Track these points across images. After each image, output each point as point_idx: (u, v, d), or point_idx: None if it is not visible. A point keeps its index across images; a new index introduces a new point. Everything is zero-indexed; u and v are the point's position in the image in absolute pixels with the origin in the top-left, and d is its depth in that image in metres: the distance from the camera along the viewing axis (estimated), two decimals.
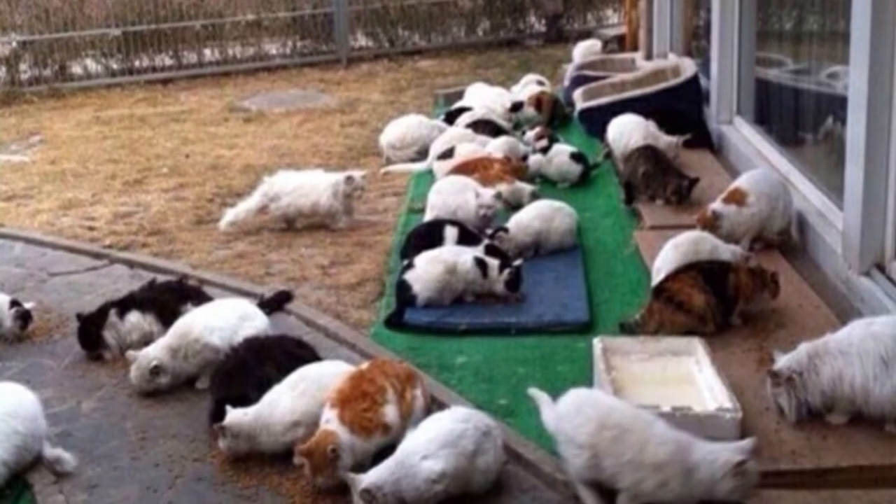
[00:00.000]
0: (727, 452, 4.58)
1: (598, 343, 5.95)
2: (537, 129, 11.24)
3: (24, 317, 7.27)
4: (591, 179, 10.23)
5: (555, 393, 5.17)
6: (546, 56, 18.61)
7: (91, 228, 9.68)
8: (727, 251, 7.04)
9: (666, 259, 6.92)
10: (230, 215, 9.34)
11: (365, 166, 11.06)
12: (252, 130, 13.91)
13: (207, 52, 18.80)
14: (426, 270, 7.25)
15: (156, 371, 6.28)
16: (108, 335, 6.87)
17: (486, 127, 11.38)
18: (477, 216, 8.48)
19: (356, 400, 5.26)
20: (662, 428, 4.71)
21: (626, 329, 6.45)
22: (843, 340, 5.27)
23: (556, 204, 8.42)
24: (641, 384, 5.70)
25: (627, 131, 10.09)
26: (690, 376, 5.80)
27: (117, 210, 10.25)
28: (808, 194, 8.17)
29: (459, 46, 19.91)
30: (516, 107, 12.69)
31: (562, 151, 10.30)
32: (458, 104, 13.06)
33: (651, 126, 10.07)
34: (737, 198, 7.77)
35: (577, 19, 21.51)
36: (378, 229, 9.20)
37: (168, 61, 18.58)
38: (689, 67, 11.81)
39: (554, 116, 12.60)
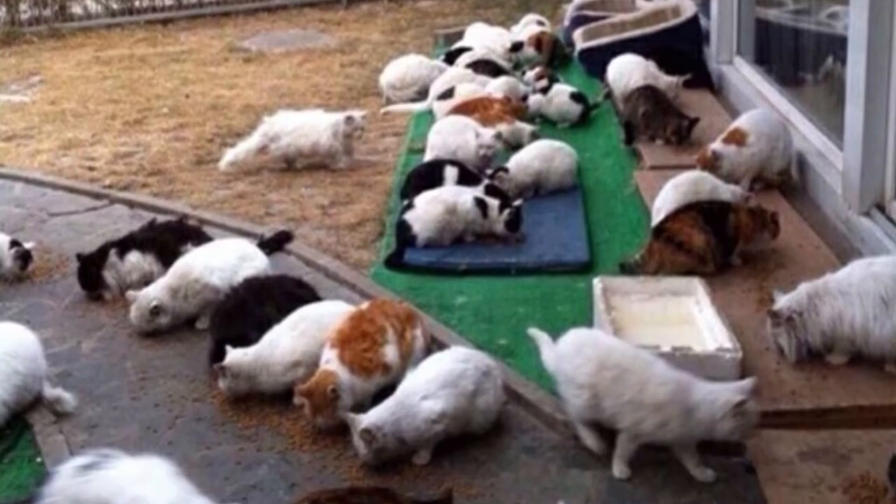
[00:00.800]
0: (727, 392, 4.58)
1: (598, 283, 5.95)
2: (537, 70, 11.17)
3: (25, 257, 7.28)
4: (590, 120, 10.19)
5: (555, 333, 5.17)
6: None
7: (91, 168, 9.65)
8: (727, 191, 7.03)
9: (666, 199, 6.90)
10: (230, 155, 9.31)
11: (365, 106, 10.99)
12: (252, 70, 13.83)
13: None
14: (426, 210, 7.24)
15: (156, 311, 6.29)
16: (108, 275, 6.89)
17: (486, 67, 11.33)
18: (477, 156, 8.46)
19: (356, 340, 5.27)
20: (662, 368, 4.72)
21: (626, 269, 6.45)
22: (843, 281, 5.28)
23: (556, 144, 8.40)
24: (641, 324, 5.71)
25: (627, 71, 10.05)
26: (690, 316, 5.80)
27: (117, 150, 10.21)
28: (808, 134, 8.15)
29: None
30: (516, 47, 12.61)
31: (562, 91, 10.26)
32: (458, 44, 12.94)
33: (651, 66, 10.02)
34: (737, 138, 7.75)
35: None
36: (378, 169, 9.18)
37: (168, 1, 18.38)
38: (689, 7, 11.73)
39: (554, 57, 12.52)
